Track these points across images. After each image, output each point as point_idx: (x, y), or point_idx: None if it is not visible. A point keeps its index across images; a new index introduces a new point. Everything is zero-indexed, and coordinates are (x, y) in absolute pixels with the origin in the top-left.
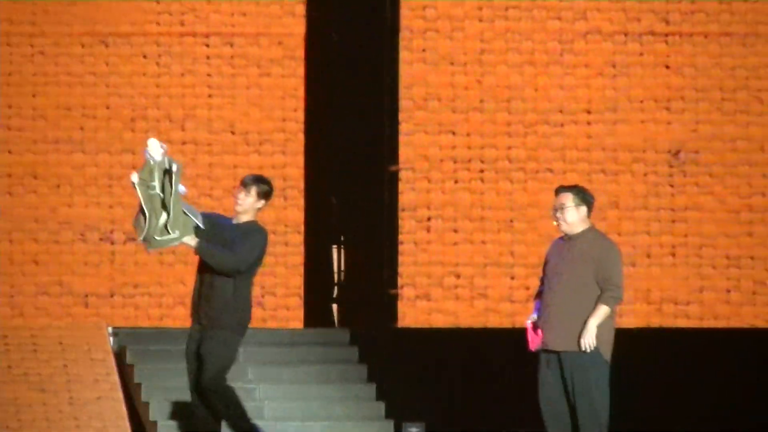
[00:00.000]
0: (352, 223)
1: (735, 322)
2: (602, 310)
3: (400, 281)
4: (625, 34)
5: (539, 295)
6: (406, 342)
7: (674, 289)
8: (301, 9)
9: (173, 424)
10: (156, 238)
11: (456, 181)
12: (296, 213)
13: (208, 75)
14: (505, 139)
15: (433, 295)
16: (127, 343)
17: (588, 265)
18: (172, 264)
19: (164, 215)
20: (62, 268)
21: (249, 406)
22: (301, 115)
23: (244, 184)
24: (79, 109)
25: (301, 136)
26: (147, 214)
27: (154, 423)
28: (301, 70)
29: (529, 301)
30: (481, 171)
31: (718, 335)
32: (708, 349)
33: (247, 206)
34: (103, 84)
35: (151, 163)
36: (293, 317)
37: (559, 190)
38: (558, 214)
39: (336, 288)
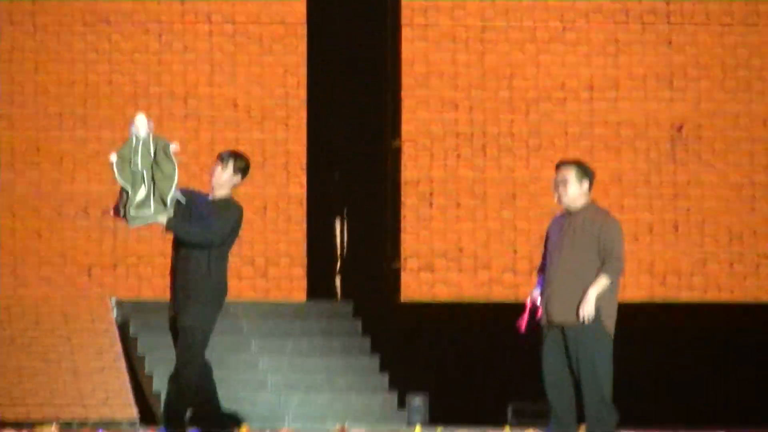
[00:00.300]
0: (355, 197)
1: (738, 295)
2: (602, 281)
3: (403, 254)
4: (627, 12)
5: (542, 269)
6: (409, 314)
7: (677, 262)
8: None
9: None
10: (132, 213)
11: (458, 156)
12: (298, 188)
13: (210, 52)
14: (507, 115)
15: (436, 266)
16: (131, 314)
17: (589, 239)
18: None
19: (143, 190)
20: (65, 242)
21: (252, 377)
22: (302, 92)
23: (221, 159)
24: (81, 85)
25: (302, 113)
26: (129, 191)
27: (158, 395)
28: (302, 48)
29: (532, 274)
30: (483, 147)
31: (721, 309)
32: (712, 323)
33: (223, 181)
34: (105, 60)
35: (135, 139)
36: (297, 288)
37: (561, 164)
38: (560, 189)
39: (339, 261)
